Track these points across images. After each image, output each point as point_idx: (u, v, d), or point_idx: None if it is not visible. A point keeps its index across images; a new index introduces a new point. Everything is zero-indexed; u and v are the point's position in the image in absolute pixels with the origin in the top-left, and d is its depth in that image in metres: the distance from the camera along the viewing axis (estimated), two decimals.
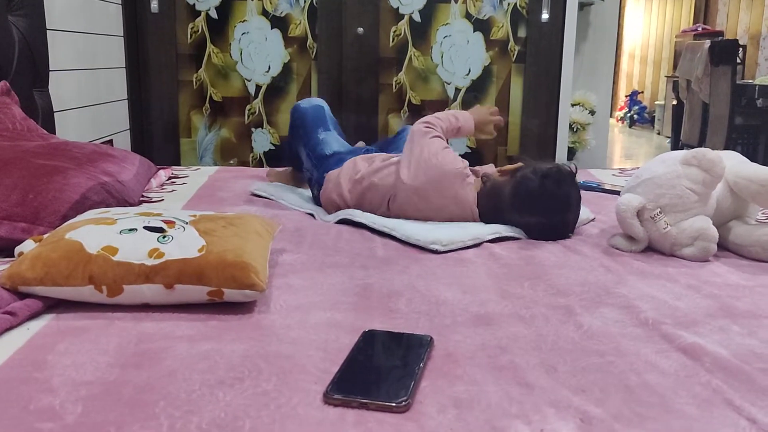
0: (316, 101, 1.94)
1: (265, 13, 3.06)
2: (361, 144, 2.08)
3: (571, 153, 3.63)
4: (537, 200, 1.49)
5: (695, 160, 1.41)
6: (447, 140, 1.68)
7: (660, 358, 0.94)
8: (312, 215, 1.71)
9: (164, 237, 1.09)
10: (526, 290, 1.20)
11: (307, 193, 1.89)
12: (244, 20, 3.06)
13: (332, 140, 1.84)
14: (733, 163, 1.47)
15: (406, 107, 3.18)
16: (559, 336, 1.01)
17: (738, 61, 4.97)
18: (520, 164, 1.58)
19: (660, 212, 1.41)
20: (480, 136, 1.85)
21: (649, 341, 0.99)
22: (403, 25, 3.11)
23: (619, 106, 8.86)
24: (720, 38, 5.91)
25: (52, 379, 0.85)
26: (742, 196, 1.45)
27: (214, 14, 3.05)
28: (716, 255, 1.41)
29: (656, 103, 8.14)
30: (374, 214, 1.62)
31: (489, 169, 1.73)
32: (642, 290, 1.21)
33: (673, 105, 5.91)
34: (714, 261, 1.40)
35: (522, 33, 3.15)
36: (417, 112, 3.18)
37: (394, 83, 3.16)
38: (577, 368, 0.91)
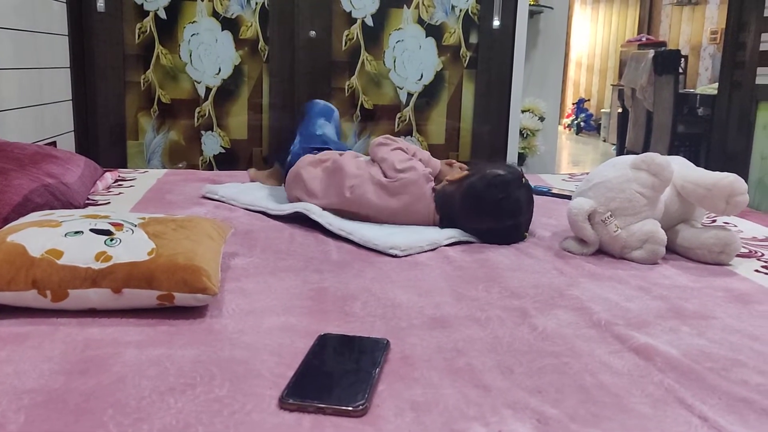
0: (331, 105, 2.15)
1: (215, 14, 3.01)
2: None
3: (521, 158, 3.69)
4: (485, 208, 1.51)
5: (644, 165, 1.44)
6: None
7: (613, 358, 0.95)
8: (264, 213, 1.69)
9: (112, 240, 1.05)
10: (481, 293, 1.20)
11: (261, 193, 1.86)
12: (194, 21, 3.01)
13: (327, 129, 1.99)
14: (681, 167, 1.51)
15: (358, 111, 3.18)
16: (514, 338, 1.01)
17: (680, 70, 5.12)
18: (466, 172, 1.59)
19: (610, 216, 1.43)
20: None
21: (603, 342, 1.01)
22: (356, 29, 3.10)
23: (566, 114, 9.04)
24: (663, 48, 6.09)
25: None
26: (689, 200, 1.48)
27: (162, 14, 2.99)
28: (665, 258, 1.44)
29: (602, 110, 8.33)
30: (329, 199, 1.63)
31: (446, 170, 1.74)
32: (594, 292, 1.22)
33: (619, 113, 6.06)
34: (663, 263, 1.43)
35: (474, 39, 3.18)
36: (369, 116, 3.18)
37: (346, 87, 3.15)
38: (533, 369, 0.91)
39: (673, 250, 1.50)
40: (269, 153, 3.11)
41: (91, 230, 1.07)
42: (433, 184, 1.62)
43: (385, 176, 1.61)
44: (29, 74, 2.52)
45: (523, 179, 1.56)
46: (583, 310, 1.13)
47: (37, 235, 1.05)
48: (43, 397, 0.79)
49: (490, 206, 1.50)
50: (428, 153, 1.77)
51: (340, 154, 1.75)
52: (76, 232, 1.06)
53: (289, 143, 1.98)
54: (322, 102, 2.14)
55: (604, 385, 0.87)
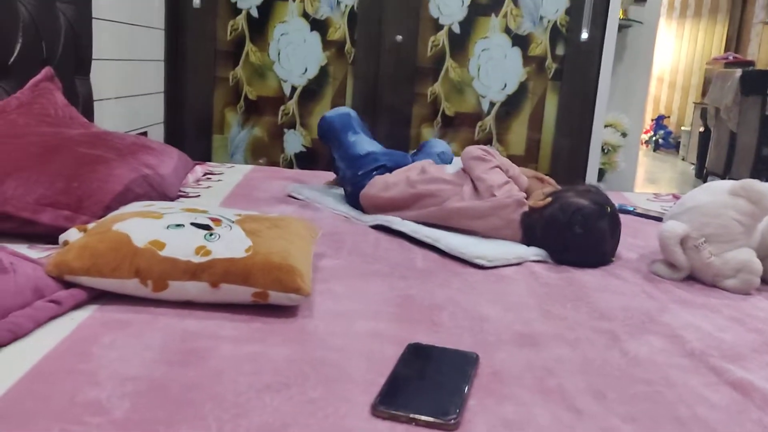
0: (341, 109, 1.96)
1: (305, 15, 3.06)
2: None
3: (601, 174, 3.61)
4: (567, 241, 1.46)
5: (743, 191, 1.39)
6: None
7: (709, 391, 0.92)
8: (346, 218, 1.70)
9: (211, 235, 1.08)
10: (569, 312, 1.18)
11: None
12: (284, 21, 3.07)
13: (363, 141, 1.86)
14: None
15: (439, 118, 3.18)
16: (605, 361, 0.99)
17: None
18: (548, 200, 1.53)
19: (704, 242, 1.39)
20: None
21: (697, 373, 0.98)
22: (442, 36, 3.10)
23: (644, 130, 8.81)
24: (751, 68, 5.87)
25: (98, 371, 0.84)
26: None
27: (255, 13, 3.06)
28: (759, 289, 1.39)
29: (682, 128, 8.08)
30: (416, 211, 1.62)
31: (534, 185, 1.68)
32: (686, 320, 1.19)
33: (700, 132, 5.87)
34: (756, 294, 1.37)
35: (560, 51, 3.13)
36: (450, 123, 3.17)
37: (429, 93, 3.16)
38: (625, 396, 0.89)
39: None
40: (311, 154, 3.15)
41: (192, 224, 1.11)
42: (525, 208, 1.56)
43: (478, 194, 1.58)
44: (126, 65, 2.62)
45: (608, 208, 1.50)
46: (676, 338, 1.10)
47: (141, 226, 1.09)
48: (146, 385, 0.82)
49: (571, 239, 1.46)
50: (518, 168, 1.71)
51: (414, 169, 1.72)
52: (178, 225, 1.10)
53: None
54: (333, 115, 1.93)
55: (701, 418, 0.85)
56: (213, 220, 1.14)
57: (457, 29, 3.09)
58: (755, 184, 1.39)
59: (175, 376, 0.84)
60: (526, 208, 1.55)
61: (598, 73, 3.12)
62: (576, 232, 1.45)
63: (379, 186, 1.70)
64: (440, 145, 2.04)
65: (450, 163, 1.90)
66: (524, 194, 1.60)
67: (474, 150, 1.65)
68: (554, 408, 0.84)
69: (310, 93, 3.13)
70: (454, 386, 0.86)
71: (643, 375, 0.96)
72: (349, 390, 0.84)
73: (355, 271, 1.30)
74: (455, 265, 1.40)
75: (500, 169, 1.63)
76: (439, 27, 3.09)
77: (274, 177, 2.18)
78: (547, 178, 1.73)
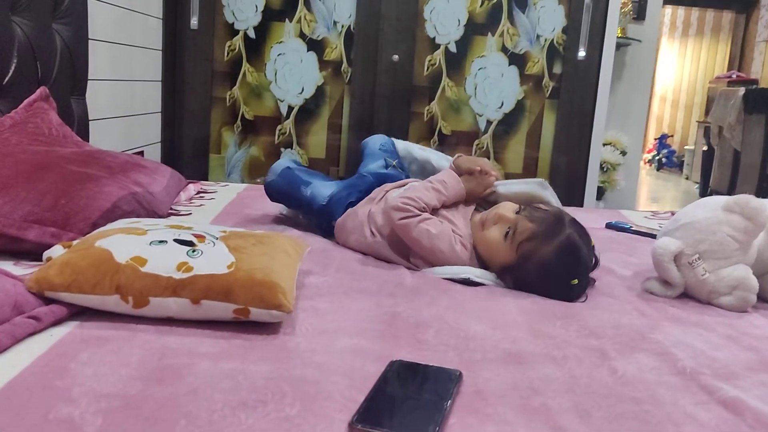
0: (278, 166, 1.80)
1: (302, 35, 3.08)
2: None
3: (600, 192, 3.60)
4: (568, 278, 1.35)
5: (738, 207, 1.37)
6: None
7: (699, 410, 0.90)
8: None
9: (194, 251, 1.07)
10: (558, 330, 1.16)
11: None
12: (281, 41, 3.08)
13: (318, 188, 1.71)
14: None
15: (436, 137, 3.18)
16: (592, 379, 0.97)
17: None
18: (515, 258, 1.37)
19: (698, 258, 1.37)
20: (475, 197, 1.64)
21: (687, 391, 0.95)
22: (439, 55, 3.11)
23: (647, 149, 8.80)
24: (755, 86, 5.86)
25: (72, 388, 0.83)
26: None
27: (252, 34, 3.08)
28: (755, 306, 1.36)
29: (686, 147, 8.07)
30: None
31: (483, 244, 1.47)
32: (678, 338, 1.16)
33: (704, 150, 5.85)
34: (753, 312, 1.35)
35: (557, 69, 3.14)
36: (447, 142, 3.17)
37: (425, 112, 3.16)
38: (611, 414, 0.87)
39: (764, 299, 1.42)
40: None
41: (175, 240, 1.10)
42: (467, 253, 1.45)
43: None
44: (123, 86, 2.63)
45: (566, 217, 1.40)
46: (667, 356, 1.07)
47: (124, 242, 1.08)
48: (120, 402, 0.80)
49: (568, 276, 1.35)
50: (446, 179, 1.56)
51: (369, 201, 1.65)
52: (161, 241, 1.09)
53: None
54: (275, 179, 1.78)
55: None
56: (197, 236, 1.13)
57: (453, 48, 3.10)
58: (750, 200, 1.38)
59: (151, 393, 0.82)
60: (467, 253, 1.46)
61: (596, 91, 3.12)
62: (573, 267, 1.35)
63: (340, 234, 1.63)
64: (377, 140, 1.94)
65: (392, 151, 1.88)
66: (467, 250, 1.46)
67: (395, 220, 1.46)
68: (537, 427, 0.82)
69: (307, 112, 3.14)
70: (435, 404, 0.84)
71: (631, 393, 0.94)
72: (327, 407, 0.82)
73: (341, 288, 1.29)
74: (444, 282, 1.38)
75: (426, 215, 1.47)
76: (436, 46, 3.10)
77: (266, 195, 2.17)
78: (482, 165, 1.61)
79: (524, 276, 1.36)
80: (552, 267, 1.34)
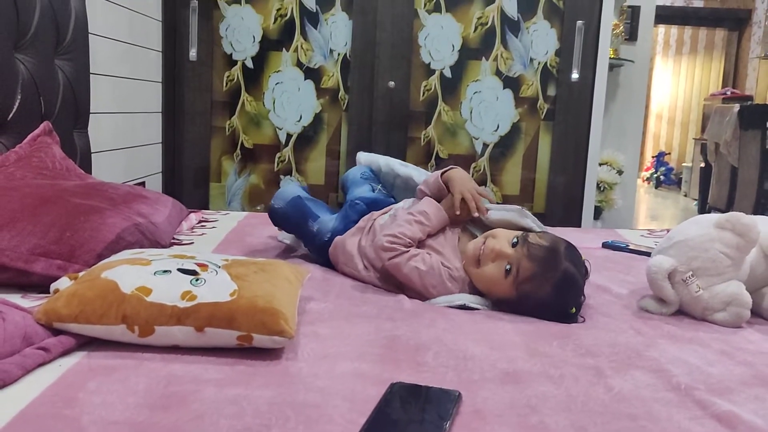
0: (288, 192, 1.78)
1: (299, 64, 3.13)
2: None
3: (598, 212, 3.63)
4: (566, 307, 1.38)
5: (729, 224, 1.40)
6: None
7: (694, 425, 0.92)
8: None
9: (197, 280, 1.10)
10: (555, 349, 1.19)
11: None
12: (279, 70, 3.13)
13: (324, 223, 1.72)
14: None
15: (433, 161, 3.22)
16: (589, 397, 0.99)
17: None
18: (513, 294, 1.39)
19: (692, 275, 1.39)
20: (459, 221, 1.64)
21: (683, 407, 0.97)
22: (434, 80, 3.16)
23: (645, 167, 8.85)
24: (749, 102, 5.92)
25: (81, 417, 0.85)
26: None
27: (250, 64, 3.13)
28: (749, 321, 1.39)
29: (683, 165, 8.12)
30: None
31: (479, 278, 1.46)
32: (673, 354, 1.19)
33: (701, 167, 5.90)
34: (747, 327, 1.37)
35: (551, 91, 3.18)
36: (444, 165, 3.20)
37: (422, 137, 3.20)
38: (608, 431, 0.89)
39: (758, 314, 1.44)
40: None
41: (179, 270, 1.13)
42: (458, 285, 1.47)
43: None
44: (124, 118, 2.68)
45: (561, 247, 1.40)
46: (662, 373, 1.10)
47: (129, 273, 1.11)
48: (128, 429, 0.82)
49: (566, 307, 1.38)
50: (426, 209, 1.56)
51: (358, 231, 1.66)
52: (165, 271, 1.12)
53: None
54: (283, 206, 1.75)
55: None
56: (200, 265, 1.15)
57: (448, 73, 3.16)
58: (741, 217, 1.41)
59: (157, 420, 0.85)
60: (463, 275, 1.48)
61: (591, 111, 3.16)
62: (570, 299, 1.38)
63: (335, 263, 1.65)
64: (356, 171, 1.96)
65: (373, 177, 1.90)
66: (455, 283, 1.47)
67: (385, 261, 1.48)
68: None
69: (306, 140, 3.18)
70: (435, 424, 0.86)
71: (627, 410, 0.96)
72: (329, 430, 0.84)
73: (342, 313, 1.31)
74: (442, 307, 1.41)
75: (413, 249, 1.48)
76: (431, 72, 3.16)
77: (267, 223, 2.18)
78: (465, 195, 1.57)
79: (523, 310, 1.39)
80: (551, 302, 1.37)
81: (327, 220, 1.73)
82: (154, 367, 1.01)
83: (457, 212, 1.57)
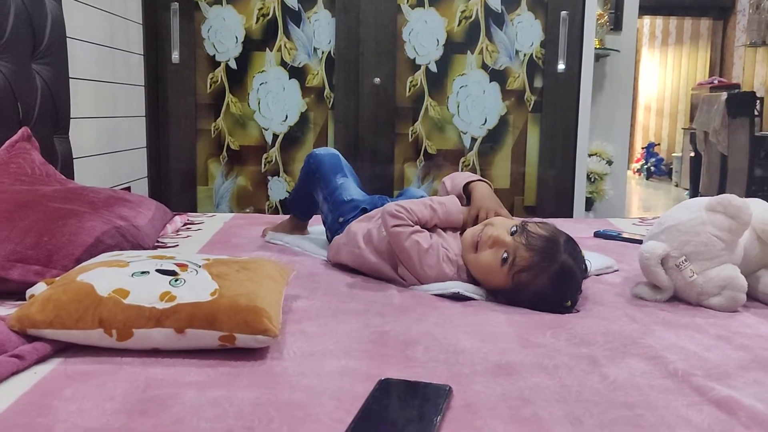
0: (332, 150, 1.89)
1: (283, 63, 3.10)
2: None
3: (589, 203, 3.61)
4: (559, 301, 1.35)
5: (720, 207, 1.37)
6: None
7: (692, 411, 0.89)
8: (325, 261, 1.69)
9: (176, 280, 1.07)
10: (548, 339, 1.16)
11: (322, 239, 1.86)
12: (263, 71, 3.10)
13: (350, 187, 1.79)
14: (760, 210, 1.43)
15: (422, 156, 3.19)
16: (583, 387, 0.96)
17: (756, 113, 4.95)
18: (509, 283, 1.36)
19: (685, 260, 1.37)
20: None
21: (680, 394, 0.95)
22: (420, 76, 3.13)
23: (635, 158, 8.85)
24: (736, 90, 5.92)
25: (55, 425, 0.81)
26: None
27: (233, 65, 3.09)
28: (745, 305, 1.36)
29: (673, 155, 8.13)
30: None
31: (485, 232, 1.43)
32: (669, 341, 1.16)
33: (691, 157, 5.90)
34: (743, 311, 1.35)
35: (538, 83, 3.16)
36: (432, 161, 3.18)
37: (410, 133, 3.17)
38: (604, 421, 0.86)
39: (754, 297, 1.42)
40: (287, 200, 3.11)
41: (157, 270, 1.09)
42: (454, 270, 1.45)
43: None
44: (107, 122, 2.64)
45: (561, 239, 1.38)
46: (658, 360, 1.07)
47: (105, 275, 1.07)
48: None
49: (562, 300, 1.35)
50: (447, 203, 1.56)
51: (367, 218, 1.65)
52: (143, 272, 1.08)
53: (301, 195, 1.89)
54: (324, 153, 1.84)
55: None
56: (179, 265, 1.12)
57: (434, 68, 3.13)
58: (732, 198, 1.38)
59: (135, 426, 0.81)
60: (461, 262, 1.46)
61: (578, 102, 3.14)
62: (566, 294, 1.35)
63: (333, 249, 1.64)
64: (416, 193, 1.98)
65: (342, 166, 1.88)
66: (454, 268, 1.46)
67: (388, 228, 1.47)
68: None
69: (292, 140, 3.15)
70: (425, 420, 0.83)
71: (623, 399, 0.93)
72: (315, 430, 0.81)
73: (329, 310, 1.28)
74: (433, 300, 1.38)
75: (418, 230, 1.47)
76: (416, 67, 3.13)
77: (254, 224, 2.17)
78: (487, 221, 1.49)
79: (518, 300, 1.36)
80: (547, 294, 1.33)
81: (353, 186, 1.79)
82: (133, 371, 0.97)
83: (470, 227, 1.52)
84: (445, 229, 1.55)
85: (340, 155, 1.87)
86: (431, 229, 1.53)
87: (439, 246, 1.46)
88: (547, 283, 1.33)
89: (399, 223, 1.46)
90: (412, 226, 1.46)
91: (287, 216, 2.02)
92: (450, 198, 1.59)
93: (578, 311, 1.35)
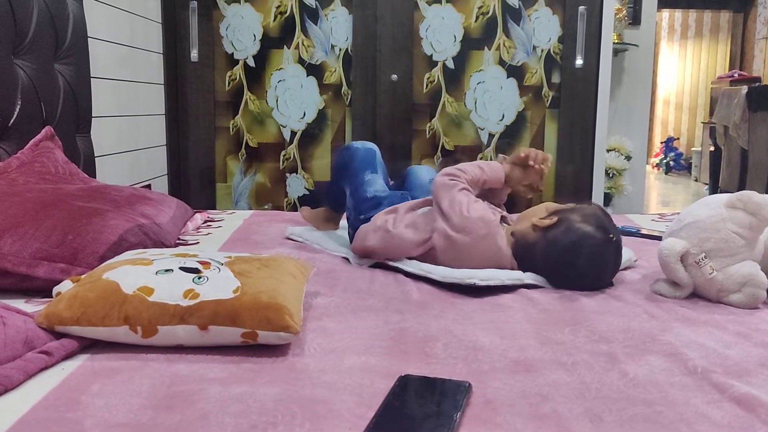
0: (369, 144, 1.90)
1: (301, 61, 3.11)
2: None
3: (608, 199, 3.59)
4: (568, 267, 1.43)
5: (741, 203, 1.37)
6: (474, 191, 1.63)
7: (712, 408, 0.89)
8: (347, 259, 1.70)
9: (200, 278, 1.08)
10: (567, 336, 1.16)
11: (343, 237, 1.87)
12: (281, 68, 3.12)
13: (376, 183, 1.80)
14: None
15: (439, 153, 3.19)
16: (603, 384, 0.97)
17: None
18: (554, 220, 1.48)
19: (705, 257, 1.37)
20: (517, 191, 1.74)
21: (700, 391, 0.95)
22: (437, 72, 3.14)
23: (654, 153, 8.78)
24: (757, 84, 5.85)
25: (84, 420, 0.83)
26: None
27: (251, 62, 3.12)
28: (765, 302, 1.36)
29: (693, 149, 8.05)
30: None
31: (521, 223, 1.58)
32: (689, 338, 1.16)
33: (711, 151, 5.83)
34: (764, 308, 1.34)
35: (556, 79, 3.15)
36: (450, 157, 3.18)
37: (427, 129, 3.18)
38: (623, 418, 0.87)
39: None
40: (316, 192, 3.14)
41: (181, 268, 1.11)
42: (501, 231, 1.54)
43: (439, 224, 1.55)
44: (127, 121, 2.67)
45: (612, 237, 1.46)
46: (678, 357, 1.07)
47: (130, 273, 1.09)
48: (131, 431, 0.81)
49: (572, 267, 1.43)
50: (491, 164, 1.68)
51: (393, 210, 1.69)
52: (167, 270, 1.10)
53: (334, 186, 1.92)
54: (359, 146, 1.88)
55: None
56: (202, 263, 1.14)
57: (451, 64, 3.13)
58: (752, 195, 1.37)
59: (161, 421, 0.83)
60: (502, 233, 1.53)
61: (596, 98, 3.13)
62: (579, 262, 1.42)
63: (360, 237, 1.66)
64: (427, 173, 2.01)
65: (376, 161, 1.91)
66: (498, 216, 1.58)
67: (441, 179, 1.61)
68: None
69: (310, 136, 3.17)
70: (445, 416, 0.84)
71: (642, 396, 0.93)
72: (336, 426, 0.83)
73: (348, 307, 1.29)
74: (451, 296, 1.39)
75: (469, 189, 1.60)
76: (434, 63, 3.13)
77: (273, 220, 2.19)
78: (530, 155, 1.67)
79: (545, 256, 1.46)
80: (570, 258, 1.43)
81: (379, 182, 1.82)
82: (158, 367, 0.99)
83: (522, 155, 1.67)
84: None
85: (377, 151, 1.89)
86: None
87: (485, 205, 1.59)
88: (575, 242, 1.42)
89: (453, 178, 1.60)
90: (465, 185, 1.60)
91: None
92: (492, 162, 1.72)
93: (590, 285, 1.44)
